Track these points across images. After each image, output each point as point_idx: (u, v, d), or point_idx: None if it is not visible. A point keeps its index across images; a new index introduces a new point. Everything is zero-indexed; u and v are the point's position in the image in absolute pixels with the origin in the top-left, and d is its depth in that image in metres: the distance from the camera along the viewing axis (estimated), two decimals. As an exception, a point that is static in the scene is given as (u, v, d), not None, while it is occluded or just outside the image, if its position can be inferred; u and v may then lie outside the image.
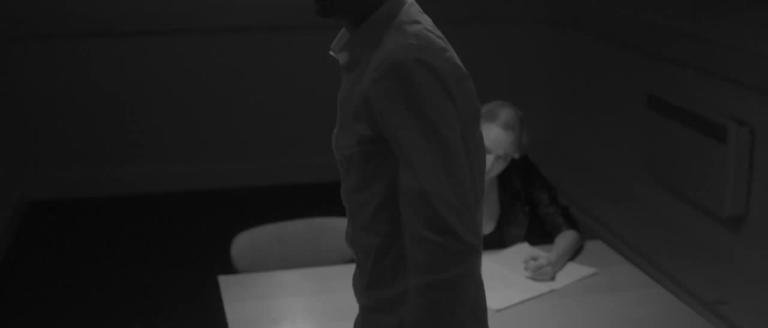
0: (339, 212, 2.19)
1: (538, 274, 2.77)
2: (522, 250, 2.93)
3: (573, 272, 2.84)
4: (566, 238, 2.95)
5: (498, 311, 2.55)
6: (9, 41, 5.00)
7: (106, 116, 5.30)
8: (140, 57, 5.25)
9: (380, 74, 1.64)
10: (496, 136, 2.87)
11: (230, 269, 2.97)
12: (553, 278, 2.79)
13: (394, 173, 1.69)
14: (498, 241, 3.01)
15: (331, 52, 1.83)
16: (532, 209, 3.05)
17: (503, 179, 3.04)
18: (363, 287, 1.83)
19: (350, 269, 1.94)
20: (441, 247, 1.62)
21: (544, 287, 2.74)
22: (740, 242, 3.87)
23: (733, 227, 3.88)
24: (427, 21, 1.76)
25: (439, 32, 1.75)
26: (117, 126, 5.33)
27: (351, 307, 1.94)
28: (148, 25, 5.18)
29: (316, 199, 4.79)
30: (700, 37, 3.99)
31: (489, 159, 2.85)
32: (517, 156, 3.02)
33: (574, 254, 2.96)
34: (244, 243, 3.01)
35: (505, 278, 2.76)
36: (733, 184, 3.75)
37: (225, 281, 2.73)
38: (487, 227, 3.03)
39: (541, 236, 3.05)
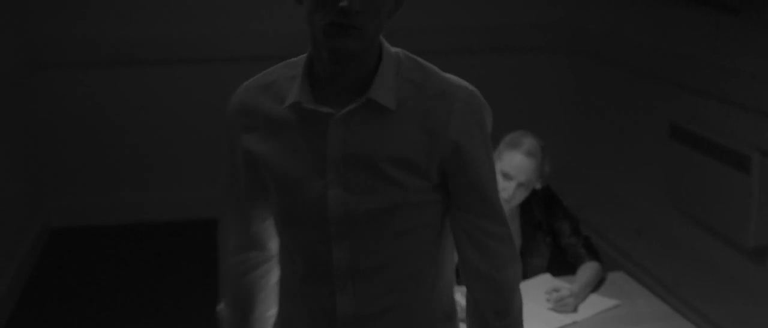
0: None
1: (560, 305, 2.76)
2: (544, 281, 2.92)
3: (595, 304, 2.82)
4: (588, 269, 2.94)
5: (520, 342, 2.53)
6: (32, 69, 5.04)
7: (128, 144, 5.32)
8: (163, 85, 5.28)
9: (467, 122, 1.64)
10: (519, 163, 2.88)
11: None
12: (575, 310, 2.78)
13: (425, 227, 1.69)
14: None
15: (306, 106, 1.62)
16: (554, 240, 3.05)
17: (525, 209, 3.04)
18: None
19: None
20: (517, 282, 1.77)
21: (566, 318, 2.72)
22: (764, 273, 3.83)
23: (757, 258, 3.84)
24: None
25: None
26: (139, 154, 5.35)
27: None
28: (172, 54, 5.21)
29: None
30: (723, 66, 3.98)
31: (511, 186, 2.87)
32: (538, 186, 3.02)
33: (597, 285, 2.95)
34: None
35: (527, 309, 2.74)
36: (756, 214, 3.72)
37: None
38: (509, 258, 3.02)
39: (563, 266, 3.04)
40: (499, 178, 2.89)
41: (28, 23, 4.99)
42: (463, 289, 1.79)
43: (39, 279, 4.61)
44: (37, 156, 5.16)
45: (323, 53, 1.59)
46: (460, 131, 1.63)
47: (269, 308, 1.87)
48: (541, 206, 3.06)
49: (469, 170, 1.65)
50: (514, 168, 2.88)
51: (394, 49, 1.68)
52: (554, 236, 3.05)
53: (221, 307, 1.88)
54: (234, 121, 1.72)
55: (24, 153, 4.97)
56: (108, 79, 5.21)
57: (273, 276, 1.85)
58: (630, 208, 4.94)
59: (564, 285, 2.83)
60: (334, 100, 1.62)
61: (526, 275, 2.99)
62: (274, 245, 1.82)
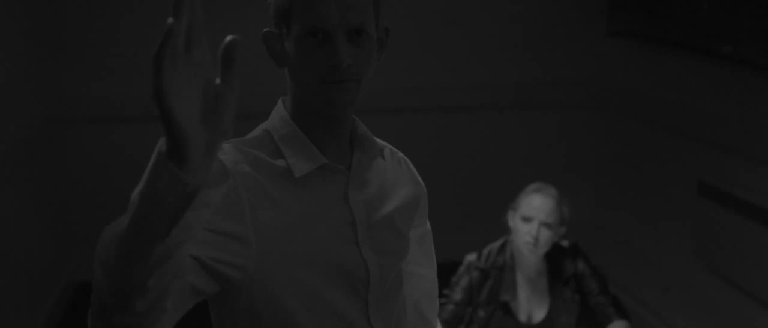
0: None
1: (589, 364, 2.74)
2: (572, 339, 2.90)
3: (624, 363, 2.79)
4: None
5: (548, 402, 2.51)
6: (59, 125, 5.09)
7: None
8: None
9: (414, 169, 1.71)
10: (537, 203, 2.98)
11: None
12: (604, 369, 2.76)
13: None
14: (548, 329, 2.99)
15: (329, 166, 1.54)
16: (582, 298, 3.03)
17: (552, 266, 3.03)
18: None
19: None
20: None
21: (595, 378, 2.69)
22: (796, 333, 3.78)
23: (788, 317, 3.80)
24: None
25: None
26: (166, 208, 5.37)
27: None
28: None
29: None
30: (751, 124, 3.97)
31: (533, 227, 2.93)
32: (565, 243, 3.02)
33: (626, 344, 2.93)
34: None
35: (555, 368, 2.72)
36: (787, 273, 3.69)
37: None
38: (538, 315, 3.02)
39: (591, 324, 3.02)
40: (520, 224, 2.94)
41: (56, 81, 5.05)
42: None
43: (65, 333, 4.62)
44: (64, 210, 5.20)
45: (319, 106, 1.50)
46: (414, 178, 1.70)
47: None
48: (569, 263, 3.05)
49: (425, 219, 1.74)
50: (532, 209, 2.96)
51: None
52: (582, 294, 3.03)
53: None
54: (241, 193, 1.46)
55: (51, 207, 5.01)
56: (134, 135, 5.25)
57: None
58: (658, 266, 4.90)
59: (593, 344, 2.81)
60: (331, 159, 1.54)
61: (555, 333, 2.97)
62: None
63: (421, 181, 1.71)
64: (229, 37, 1.05)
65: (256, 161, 1.51)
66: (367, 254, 1.54)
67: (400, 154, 1.71)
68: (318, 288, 1.50)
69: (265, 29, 1.55)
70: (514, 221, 3.01)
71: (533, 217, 2.95)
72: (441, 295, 2.99)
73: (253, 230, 1.43)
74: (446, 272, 3.10)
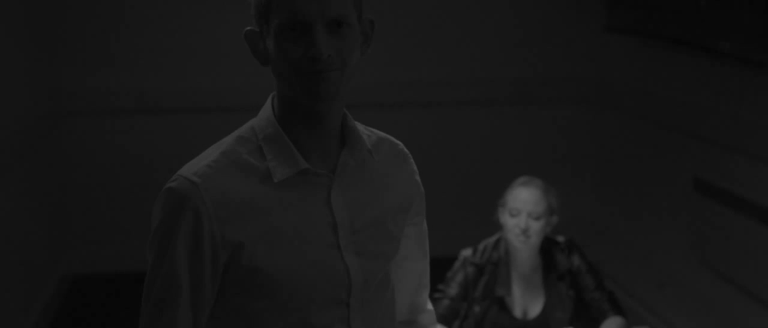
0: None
1: (584, 360, 2.74)
2: (567, 335, 2.90)
3: (619, 359, 2.79)
4: (612, 324, 2.92)
5: (542, 398, 2.51)
6: (55, 118, 5.08)
7: (150, 192, 5.33)
8: (185, 134, 5.30)
9: (413, 166, 1.68)
10: (522, 195, 2.99)
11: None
12: (599, 365, 2.76)
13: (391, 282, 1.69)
14: (543, 324, 2.99)
15: (310, 171, 1.51)
16: (578, 294, 3.03)
17: (547, 261, 3.03)
18: None
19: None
20: None
21: (589, 374, 2.69)
22: (791, 330, 3.78)
23: (784, 314, 3.80)
24: None
25: None
26: (162, 201, 5.35)
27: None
28: (196, 103, 5.24)
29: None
30: (747, 120, 3.97)
31: (521, 220, 2.94)
32: (560, 238, 3.02)
33: (621, 340, 2.93)
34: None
35: (550, 364, 2.72)
36: (783, 270, 3.69)
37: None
38: (534, 310, 3.02)
39: (586, 320, 3.02)
40: (509, 219, 2.95)
41: (52, 72, 5.04)
42: None
43: (60, 326, 4.61)
44: (59, 203, 5.19)
45: (302, 100, 1.49)
46: (417, 175, 1.68)
47: None
48: (564, 258, 3.05)
49: (423, 213, 1.71)
50: (519, 202, 2.97)
51: None
52: (578, 290, 3.03)
53: None
54: (205, 216, 1.48)
55: (46, 200, 5.00)
56: (130, 128, 5.24)
57: None
58: (654, 262, 4.90)
59: (587, 340, 2.81)
60: (315, 161, 1.52)
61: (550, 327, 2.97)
62: None
63: (419, 179, 1.69)
64: None
65: (238, 164, 1.52)
66: (349, 259, 1.52)
67: (401, 146, 1.67)
68: (293, 294, 1.49)
69: (247, 28, 1.54)
70: (504, 216, 3.01)
71: (520, 209, 2.96)
72: (436, 290, 2.99)
73: (225, 242, 1.48)
74: (441, 268, 3.10)
